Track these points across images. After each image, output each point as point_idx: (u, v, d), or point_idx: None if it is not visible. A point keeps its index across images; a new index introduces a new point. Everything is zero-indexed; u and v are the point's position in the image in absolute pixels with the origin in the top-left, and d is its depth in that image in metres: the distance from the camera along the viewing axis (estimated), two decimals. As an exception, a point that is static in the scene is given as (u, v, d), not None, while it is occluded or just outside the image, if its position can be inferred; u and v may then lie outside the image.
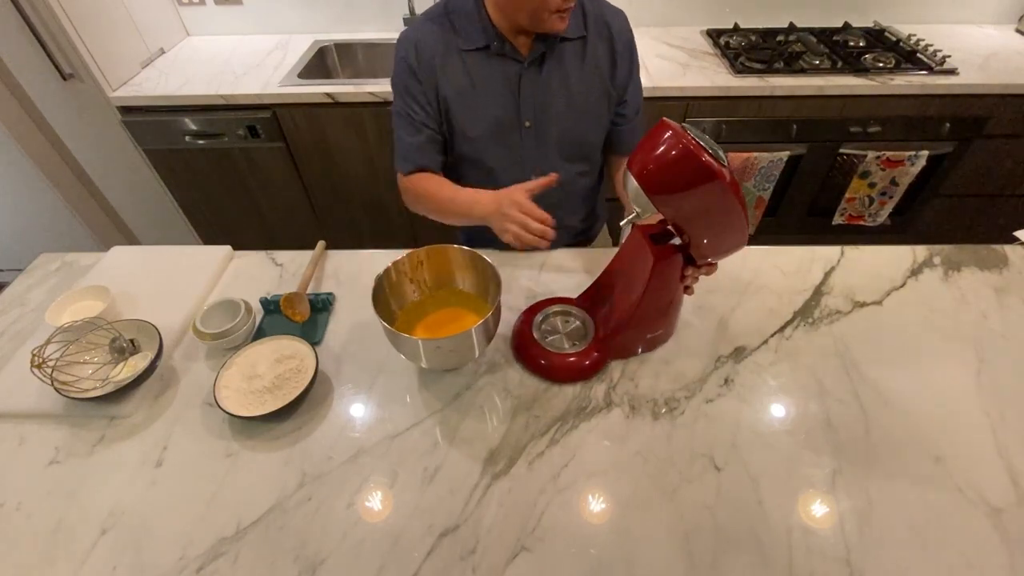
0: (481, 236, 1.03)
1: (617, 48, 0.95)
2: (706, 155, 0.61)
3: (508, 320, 0.91)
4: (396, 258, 0.84)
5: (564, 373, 0.82)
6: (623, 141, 1.07)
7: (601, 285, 0.89)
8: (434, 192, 0.99)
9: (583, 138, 1.02)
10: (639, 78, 1.03)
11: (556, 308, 0.90)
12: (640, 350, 0.85)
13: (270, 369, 0.81)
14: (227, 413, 0.74)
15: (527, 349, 0.84)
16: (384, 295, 0.83)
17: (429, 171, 1.02)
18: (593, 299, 0.90)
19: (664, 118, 0.67)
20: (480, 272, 0.86)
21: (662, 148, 0.64)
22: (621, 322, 0.81)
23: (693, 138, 0.63)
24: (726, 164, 0.64)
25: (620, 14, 0.98)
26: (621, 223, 0.77)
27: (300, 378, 0.79)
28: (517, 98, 0.94)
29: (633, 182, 0.68)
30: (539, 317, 0.88)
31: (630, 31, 0.98)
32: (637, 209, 0.72)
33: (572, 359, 0.82)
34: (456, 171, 1.07)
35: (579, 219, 1.17)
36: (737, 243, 0.73)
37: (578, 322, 0.88)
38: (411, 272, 0.87)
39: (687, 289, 0.81)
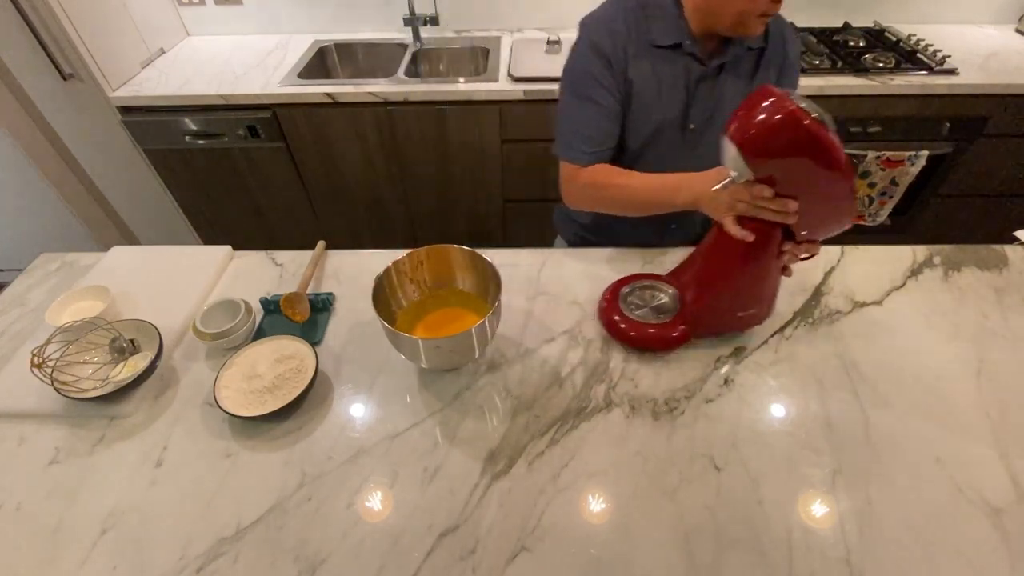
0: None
1: (788, 62, 0.95)
2: (809, 119, 0.60)
3: (509, 320, 0.91)
4: (396, 258, 0.84)
5: (647, 342, 0.85)
6: None
7: (693, 260, 0.89)
8: (622, 181, 0.93)
9: None
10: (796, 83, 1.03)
11: (644, 283, 0.91)
12: (729, 329, 0.86)
13: (270, 369, 0.81)
14: (227, 413, 0.74)
15: (611, 317, 0.87)
16: (384, 295, 0.83)
17: (603, 163, 0.97)
18: (683, 274, 0.90)
19: (765, 84, 0.66)
20: (480, 272, 0.86)
21: (763, 110, 0.62)
22: (708, 295, 0.81)
23: (795, 102, 0.61)
24: (832, 129, 0.62)
25: (790, 26, 0.96)
26: (713, 188, 0.75)
27: (300, 378, 0.79)
28: (691, 100, 0.92)
29: (732, 147, 0.67)
30: (626, 289, 0.90)
31: (797, 42, 0.98)
32: (733, 173, 0.70)
33: (653, 330, 0.84)
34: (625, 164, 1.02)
35: (704, 228, 1.15)
36: (839, 217, 0.69)
37: (665, 297, 0.89)
38: (411, 272, 0.87)
39: (785, 269, 0.80)
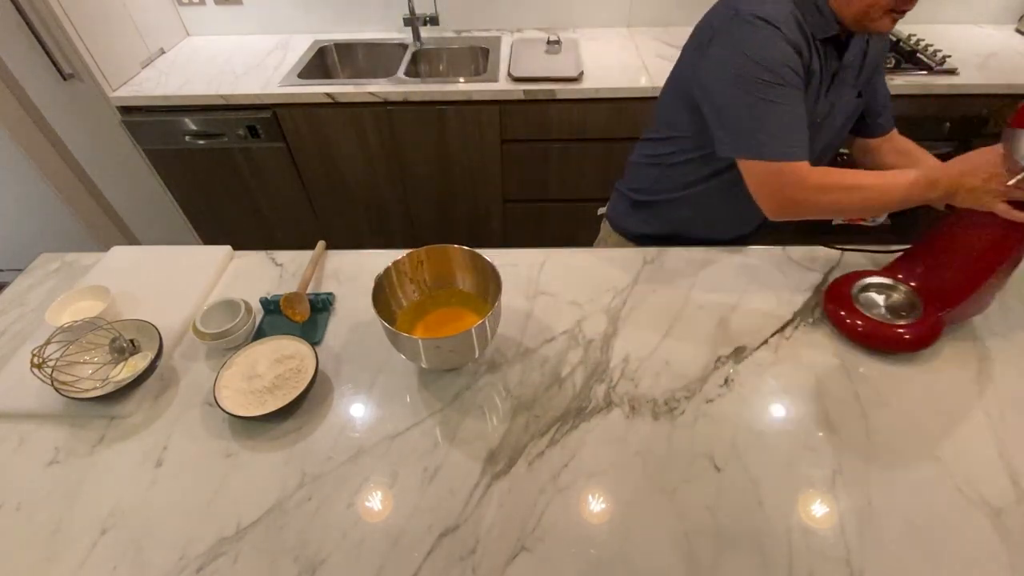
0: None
1: (880, 66, 0.96)
2: None
3: (509, 320, 0.91)
4: (396, 258, 0.84)
5: (899, 344, 0.83)
6: (872, 124, 1.07)
7: (929, 254, 0.88)
8: (855, 182, 0.86)
9: (842, 138, 1.02)
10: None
11: (872, 280, 0.89)
12: (976, 315, 0.86)
13: (270, 369, 0.81)
14: (227, 413, 0.74)
15: (853, 320, 0.85)
16: (384, 295, 0.83)
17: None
18: (912, 268, 0.89)
19: None
20: (480, 272, 0.86)
21: None
22: (968, 292, 0.81)
23: None
24: None
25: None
26: (1010, 183, 0.76)
27: (300, 378, 0.79)
28: (818, 96, 0.90)
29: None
30: (854, 290, 0.88)
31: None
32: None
33: (904, 331, 0.82)
34: (713, 167, 0.99)
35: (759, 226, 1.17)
36: None
37: (898, 295, 0.87)
38: (411, 272, 0.87)
39: None
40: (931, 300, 0.84)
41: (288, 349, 0.84)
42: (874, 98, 1.03)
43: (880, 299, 0.88)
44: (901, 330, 0.83)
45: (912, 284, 0.87)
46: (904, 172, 0.84)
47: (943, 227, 0.87)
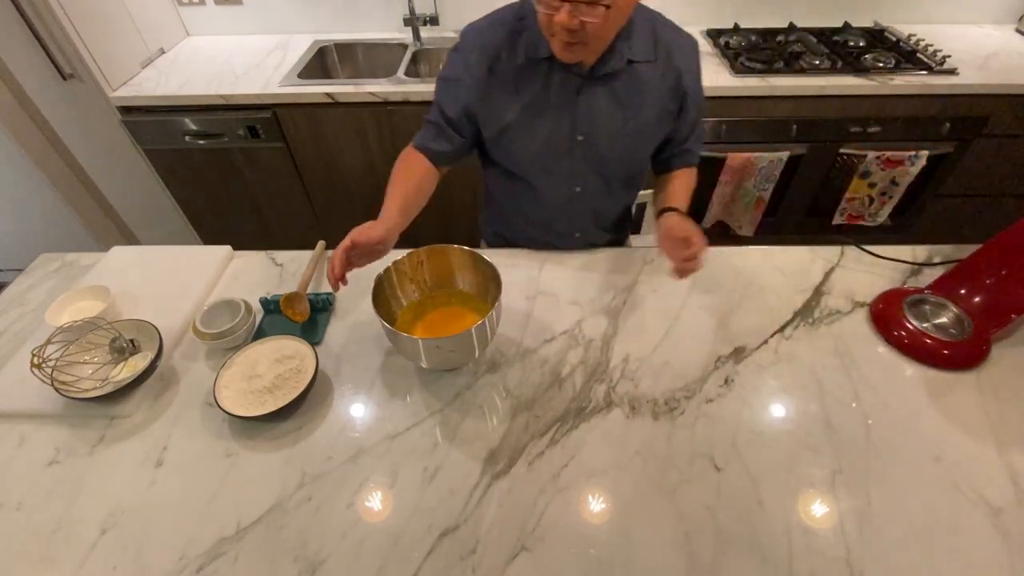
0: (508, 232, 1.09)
1: (682, 78, 0.92)
2: None
3: (509, 320, 0.91)
4: (396, 258, 0.84)
5: (956, 362, 0.83)
6: (660, 161, 1.06)
7: (975, 273, 0.89)
8: (396, 175, 0.94)
9: (632, 161, 1.00)
10: (699, 107, 1.00)
11: (919, 298, 0.89)
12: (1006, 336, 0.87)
13: (270, 369, 0.81)
14: (227, 413, 0.74)
15: (910, 338, 0.85)
16: (384, 295, 0.83)
17: (432, 163, 0.98)
18: (956, 286, 0.90)
19: None
20: (480, 272, 0.86)
21: None
22: (1020, 314, 0.83)
23: None
24: None
25: (688, 44, 0.94)
26: None
27: (300, 378, 0.79)
28: (575, 111, 0.92)
29: None
30: (904, 307, 0.88)
31: (698, 62, 0.96)
32: None
33: (950, 351, 0.83)
34: (505, 179, 1.05)
35: (610, 235, 1.16)
36: None
37: (947, 313, 0.87)
38: (411, 272, 0.87)
39: None
40: (981, 320, 0.85)
41: (288, 349, 0.84)
42: None
43: (930, 315, 0.88)
44: (949, 350, 0.83)
45: (963, 305, 0.87)
46: (388, 205, 0.89)
47: (993, 245, 0.88)
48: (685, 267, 0.84)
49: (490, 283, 0.84)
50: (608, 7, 0.73)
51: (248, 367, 0.81)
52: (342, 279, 0.79)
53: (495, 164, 1.03)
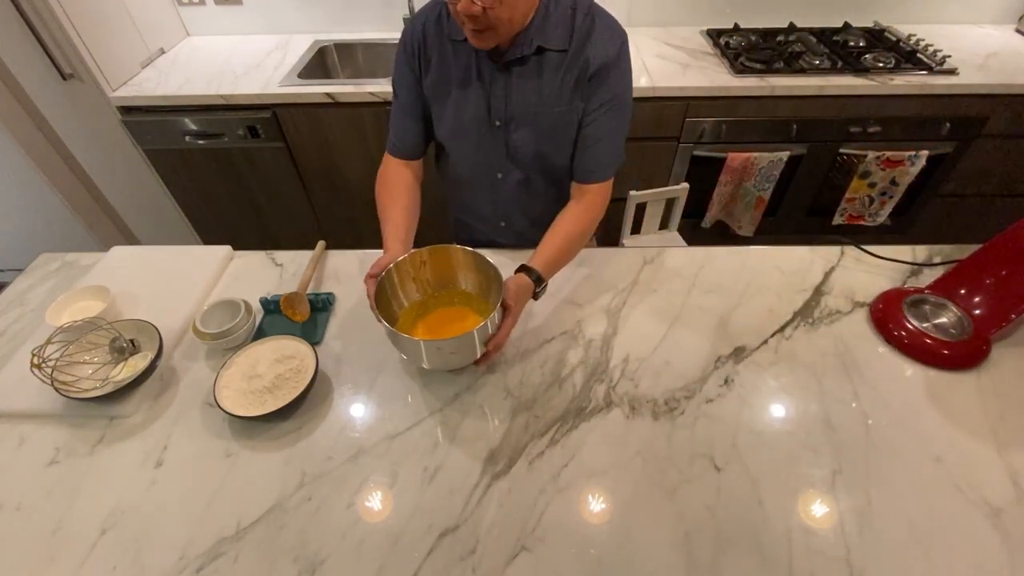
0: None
1: (591, 69, 0.87)
2: None
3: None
4: (398, 258, 0.84)
5: (956, 362, 0.83)
6: (573, 166, 0.97)
7: (975, 273, 0.89)
8: (380, 201, 0.98)
9: (547, 150, 0.97)
10: (613, 105, 0.91)
11: (919, 298, 0.89)
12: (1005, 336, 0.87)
13: (270, 369, 0.81)
14: (227, 413, 0.74)
15: (910, 338, 0.85)
16: (386, 295, 0.83)
17: (402, 157, 1.03)
18: (955, 286, 0.90)
19: None
20: (483, 273, 0.86)
21: None
22: (1019, 314, 0.83)
23: None
24: None
25: (611, 31, 0.87)
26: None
27: (300, 378, 0.79)
28: (489, 96, 0.92)
29: None
30: (904, 308, 0.88)
31: (616, 57, 0.87)
32: None
33: (963, 348, 0.83)
34: (442, 162, 1.09)
35: (532, 228, 1.07)
36: None
37: (947, 313, 0.87)
38: (413, 272, 0.87)
39: None
40: (981, 321, 0.85)
41: (288, 349, 0.84)
42: None
43: (930, 315, 0.88)
44: (949, 350, 0.83)
45: (963, 305, 0.87)
46: (388, 234, 0.91)
47: (1000, 243, 0.88)
48: (481, 360, 0.80)
49: (492, 284, 0.84)
50: None
51: (248, 367, 0.81)
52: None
53: (441, 155, 1.08)
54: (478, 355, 0.79)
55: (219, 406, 0.75)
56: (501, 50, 0.88)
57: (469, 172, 1.05)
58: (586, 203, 0.95)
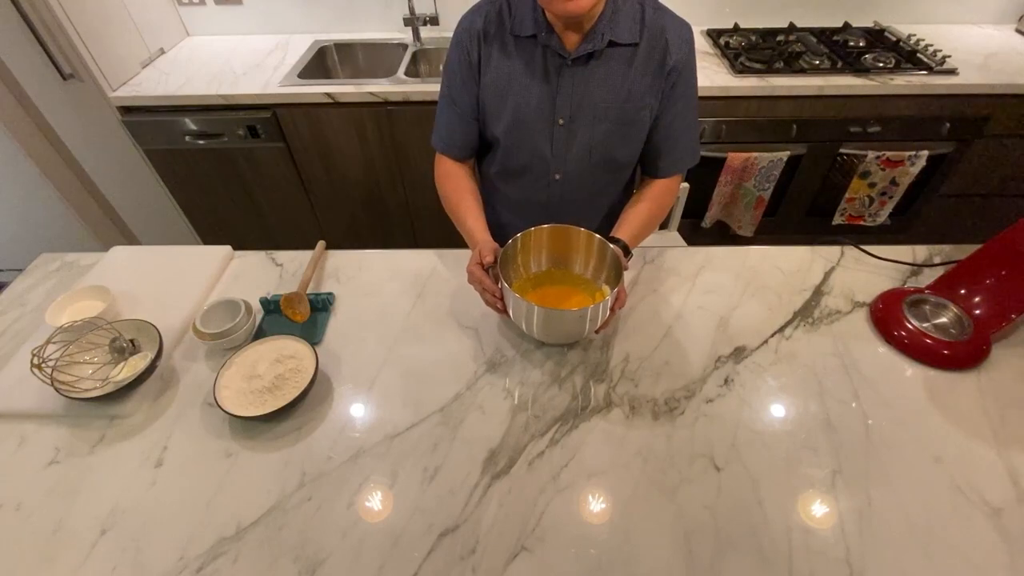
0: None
1: (670, 63, 0.89)
2: None
3: (509, 320, 0.91)
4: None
5: (956, 362, 0.83)
6: (647, 161, 1.02)
7: (975, 273, 0.89)
8: (451, 196, 1.00)
9: (613, 146, 0.97)
10: (690, 98, 0.94)
11: (919, 298, 0.89)
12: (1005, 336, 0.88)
13: (270, 369, 0.81)
14: (227, 413, 0.74)
15: (910, 338, 0.85)
16: (507, 264, 0.87)
17: (456, 159, 1.03)
18: (955, 286, 0.89)
19: None
20: (598, 257, 0.89)
21: None
22: (1019, 314, 0.83)
23: None
24: None
25: (683, 28, 0.90)
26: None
27: (300, 378, 0.79)
28: (555, 93, 0.91)
29: None
30: (904, 307, 0.88)
31: (691, 48, 0.91)
32: None
33: (950, 350, 0.83)
34: (488, 157, 1.07)
35: (596, 227, 1.11)
36: None
37: (947, 313, 0.87)
38: (533, 246, 0.91)
39: None
40: (981, 321, 0.85)
41: (288, 349, 0.84)
42: None
43: (930, 315, 0.88)
44: (949, 350, 0.83)
45: (963, 305, 0.87)
46: (473, 225, 0.95)
47: (992, 246, 0.88)
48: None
49: (609, 269, 0.86)
50: None
51: (248, 367, 0.81)
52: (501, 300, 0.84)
53: (487, 147, 1.06)
54: (597, 326, 0.82)
55: (219, 406, 0.75)
56: (573, 44, 0.88)
57: (523, 170, 1.02)
58: (659, 189, 1.00)
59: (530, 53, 0.90)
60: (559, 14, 0.81)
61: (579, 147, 0.96)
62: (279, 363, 0.82)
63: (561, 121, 0.93)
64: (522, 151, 0.99)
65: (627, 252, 0.90)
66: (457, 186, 1.00)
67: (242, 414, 0.74)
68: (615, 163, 1.01)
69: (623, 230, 0.93)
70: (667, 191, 1.01)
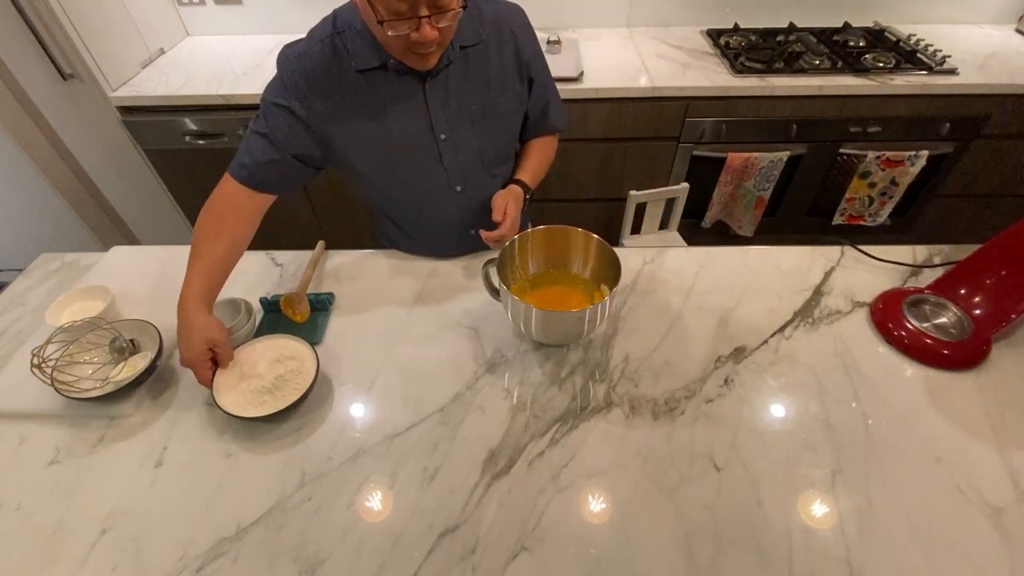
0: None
1: (520, 45, 0.92)
2: None
3: (509, 319, 0.91)
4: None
5: (956, 362, 0.83)
6: (536, 125, 1.03)
7: (975, 273, 0.89)
8: (200, 232, 0.91)
9: (503, 141, 0.99)
10: (543, 70, 0.99)
11: (919, 298, 0.89)
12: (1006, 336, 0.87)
13: (270, 369, 0.81)
14: (227, 413, 0.74)
15: (910, 338, 0.85)
16: (504, 265, 0.86)
17: (255, 189, 0.96)
18: (955, 286, 0.89)
19: None
20: (597, 257, 0.89)
21: None
22: (1019, 314, 0.83)
23: None
24: None
25: (517, 11, 0.93)
26: None
27: (300, 379, 0.79)
28: (427, 113, 0.88)
29: None
30: (904, 307, 0.88)
31: (529, 25, 0.95)
32: None
33: (963, 348, 0.83)
34: (382, 194, 1.02)
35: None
36: None
37: (947, 313, 0.87)
38: (531, 247, 0.91)
39: None
40: (981, 321, 0.84)
41: (288, 349, 0.84)
42: None
43: (930, 315, 0.88)
44: (949, 350, 0.82)
45: (963, 305, 0.87)
46: (190, 284, 0.84)
47: (1001, 241, 0.88)
48: (489, 239, 0.90)
49: (607, 270, 0.86)
50: (465, 7, 0.74)
51: (248, 367, 0.81)
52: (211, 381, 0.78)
53: (371, 185, 1.00)
54: (584, 333, 0.83)
55: (219, 406, 0.75)
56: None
57: (426, 195, 0.99)
58: (542, 141, 1.06)
59: (383, 83, 0.86)
60: (415, 66, 0.81)
61: (469, 153, 0.95)
62: (279, 363, 0.82)
63: (443, 136, 0.91)
64: (417, 177, 0.96)
65: (527, 190, 0.99)
66: (220, 224, 0.91)
67: (242, 414, 0.74)
68: (507, 152, 1.04)
69: (524, 172, 1.02)
70: (550, 142, 1.08)
